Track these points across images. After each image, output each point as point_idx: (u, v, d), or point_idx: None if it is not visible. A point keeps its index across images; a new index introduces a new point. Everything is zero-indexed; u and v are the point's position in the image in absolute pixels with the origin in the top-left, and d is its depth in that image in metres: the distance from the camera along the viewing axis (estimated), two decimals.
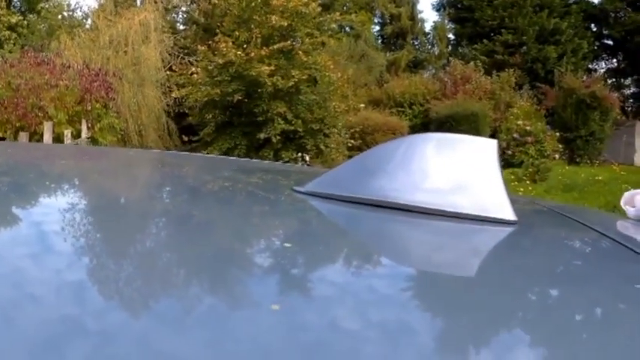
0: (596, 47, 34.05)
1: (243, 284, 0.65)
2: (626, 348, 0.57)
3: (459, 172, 0.95)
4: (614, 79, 35.82)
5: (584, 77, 22.43)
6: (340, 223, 1.00)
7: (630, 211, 1.24)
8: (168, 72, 21.20)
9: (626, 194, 1.28)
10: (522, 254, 0.89)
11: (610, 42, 36.13)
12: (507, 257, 0.87)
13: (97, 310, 0.53)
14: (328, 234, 0.93)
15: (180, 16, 29.80)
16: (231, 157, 3.02)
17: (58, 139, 14.27)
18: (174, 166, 1.88)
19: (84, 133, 15.80)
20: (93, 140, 16.28)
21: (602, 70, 35.77)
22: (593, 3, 35.28)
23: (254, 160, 2.97)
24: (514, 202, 0.97)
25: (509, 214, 0.92)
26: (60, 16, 32.13)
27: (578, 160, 20.23)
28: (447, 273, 0.75)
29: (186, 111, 18.79)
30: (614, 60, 37.46)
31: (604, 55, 37.04)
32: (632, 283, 0.78)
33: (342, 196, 0.96)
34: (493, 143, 1.03)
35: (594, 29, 35.18)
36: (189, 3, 27.30)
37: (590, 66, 33.34)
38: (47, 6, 31.95)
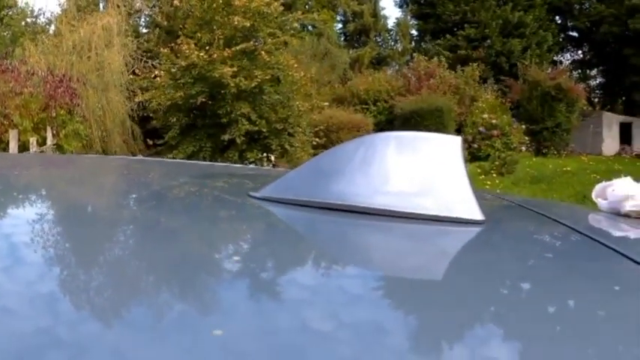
0: (561, 39, 34.42)
1: (199, 291, 0.64)
2: (596, 342, 0.56)
3: (422, 172, 0.91)
4: (579, 71, 36.30)
5: (550, 69, 22.64)
6: (296, 229, 0.96)
7: (602, 203, 1.23)
8: (131, 76, 21.08)
9: (598, 186, 1.27)
10: (490, 254, 0.85)
11: (575, 33, 36.55)
12: (475, 258, 0.83)
13: (64, 321, 0.54)
14: (282, 241, 0.89)
15: (143, 19, 29.65)
16: (190, 161, 3.01)
17: (24, 146, 14.21)
18: (131, 173, 1.88)
19: (49, 140, 15.73)
20: (58, 147, 16.21)
21: (568, 62, 36.26)
22: None
23: (209, 164, 2.95)
24: (481, 198, 0.94)
25: (476, 214, 0.87)
26: (23, 23, 31.98)
27: (545, 151, 20.41)
28: (411, 277, 0.72)
29: (151, 114, 18.69)
30: (580, 51, 37.95)
31: (569, 47, 37.49)
32: (604, 278, 0.77)
33: (298, 201, 0.91)
34: (457, 140, 0.96)
35: (559, 21, 35.58)
36: (151, 6, 27.11)
37: (555, 58, 33.70)
38: (10, 13, 31.79)
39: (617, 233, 1.14)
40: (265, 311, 0.58)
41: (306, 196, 0.90)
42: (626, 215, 1.14)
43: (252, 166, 11.72)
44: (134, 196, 1.34)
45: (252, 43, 15.69)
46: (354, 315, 0.57)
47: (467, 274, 0.75)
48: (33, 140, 14.80)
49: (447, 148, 0.94)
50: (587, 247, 0.91)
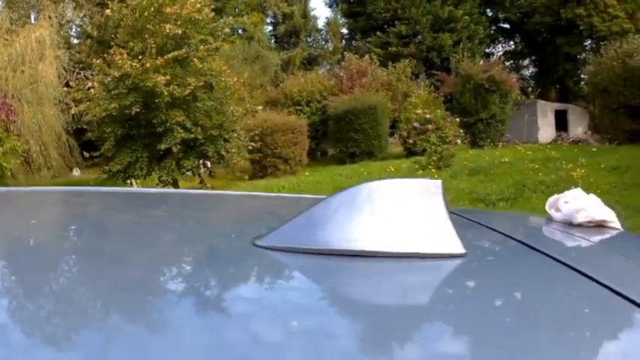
0: (492, 31, 34.91)
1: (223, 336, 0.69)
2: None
3: (407, 214, 0.97)
4: (512, 61, 36.89)
5: (482, 62, 22.88)
6: (300, 275, 1.02)
7: (556, 215, 1.33)
8: (65, 88, 20.79)
9: (551, 199, 1.38)
10: (472, 284, 0.96)
11: (507, 25, 37.18)
12: (459, 289, 0.93)
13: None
14: (282, 284, 0.97)
15: (74, 30, 29.31)
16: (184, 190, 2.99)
17: None
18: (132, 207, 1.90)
19: None
20: None
21: (500, 53, 36.79)
22: None
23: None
24: (460, 227, 1.02)
25: (458, 248, 0.95)
26: None
27: (481, 143, 20.63)
28: (401, 313, 0.81)
29: (85, 127, 18.42)
30: (512, 42, 38.59)
31: (501, 39, 38.08)
32: (560, 293, 0.87)
33: (297, 249, 0.97)
34: (438, 184, 1.05)
35: (490, 14, 36.09)
36: (82, 16, 26.79)
37: (487, 50, 34.21)
38: None
39: (569, 244, 1.28)
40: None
41: (303, 244, 0.96)
42: (579, 225, 1.28)
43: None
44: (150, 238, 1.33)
45: (184, 50, 15.57)
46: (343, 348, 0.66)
47: (452, 304, 0.85)
48: None
49: (429, 190, 1.03)
50: (538, 259, 1.03)
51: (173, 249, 1.22)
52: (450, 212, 0.99)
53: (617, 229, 1.29)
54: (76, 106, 17.81)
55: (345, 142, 19.99)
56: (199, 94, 15.54)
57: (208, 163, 16.26)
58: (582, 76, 32.26)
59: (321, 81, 23.66)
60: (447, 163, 15.25)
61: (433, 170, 14.62)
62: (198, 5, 16.36)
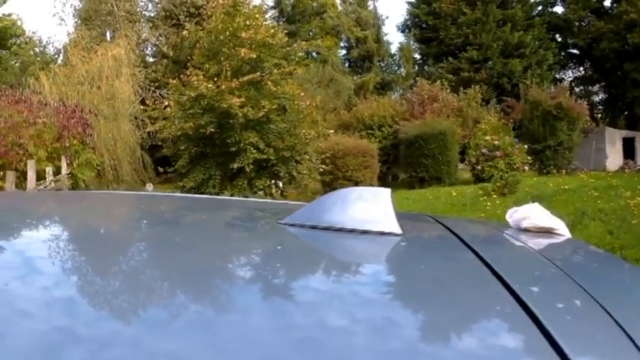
0: (561, 57, 34.46)
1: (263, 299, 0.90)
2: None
3: (366, 207, 1.35)
4: (581, 87, 36.32)
5: (551, 88, 22.65)
6: (313, 244, 1.38)
7: (510, 221, 1.61)
8: (141, 106, 21.37)
9: (510, 210, 1.65)
10: (405, 258, 1.29)
11: (576, 51, 36.60)
12: (394, 260, 1.27)
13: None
14: (297, 252, 1.33)
15: (150, 49, 29.99)
16: (210, 196, 3.26)
17: (39, 175, 14.47)
18: (159, 209, 2.06)
19: (64, 170, 16.01)
20: (72, 176, 16.50)
21: (569, 79, 36.22)
22: (556, 13, 35.77)
23: (232, 199, 3.24)
24: (406, 219, 1.43)
25: (396, 229, 1.29)
26: (32, 52, 32.08)
27: (547, 170, 20.44)
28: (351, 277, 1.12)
29: (160, 143, 18.91)
30: (581, 68, 37.95)
31: (570, 64, 37.48)
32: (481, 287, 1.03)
33: (306, 225, 1.34)
34: (387, 191, 1.43)
35: (559, 39, 35.60)
36: (158, 36, 27.49)
37: (557, 76, 33.75)
38: (18, 42, 31.88)
39: (499, 243, 1.55)
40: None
41: (308, 222, 1.34)
42: (526, 230, 1.54)
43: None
44: (184, 233, 1.51)
45: (258, 74, 15.90)
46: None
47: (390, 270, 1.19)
48: (49, 169, 15.14)
49: (380, 195, 1.39)
50: (471, 253, 1.23)
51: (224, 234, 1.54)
52: (421, 214, 1.41)
53: (563, 235, 1.53)
54: (152, 123, 18.32)
55: (415, 167, 20.04)
56: (272, 117, 15.86)
57: (280, 184, 16.55)
58: None
59: (393, 106, 23.78)
60: (511, 189, 15.16)
61: (495, 197, 14.58)
62: (272, 30, 16.77)
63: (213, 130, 15.51)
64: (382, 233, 1.28)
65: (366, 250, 1.27)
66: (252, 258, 1.25)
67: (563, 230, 1.53)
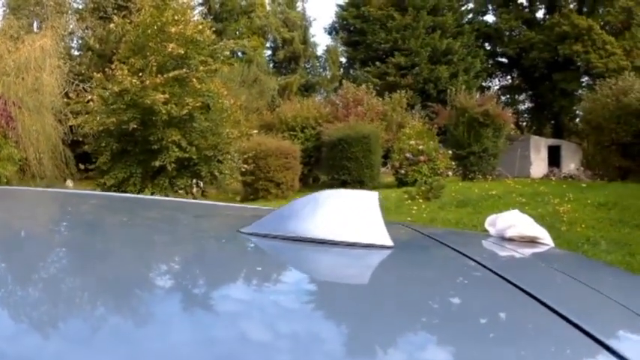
0: (489, 65, 35.10)
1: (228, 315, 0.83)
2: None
3: (352, 214, 1.25)
4: (508, 96, 37.06)
5: (477, 95, 22.99)
6: (274, 256, 1.27)
7: (492, 230, 1.54)
8: (64, 99, 20.88)
9: (489, 218, 1.60)
10: (397, 271, 1.19)
11: (504, 60, 37.35)
12: (388, 273, 1.17)
13: None
14: (266, 266, 1.19)
15: (75, 42, 29.41)
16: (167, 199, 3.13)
17: None
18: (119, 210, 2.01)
19: None
20: None
21: (496, 87, 36.94)
22: (487, 22, 36.44)
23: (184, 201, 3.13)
24: (393, 229, 1.30)
25: (387, 241, 1.20)
26: None
27: (471, 176, 20.68)
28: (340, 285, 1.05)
29: (82, 139, 18.50)
30: (509, 77, 38.77)
31: (498, 73, 38.23)
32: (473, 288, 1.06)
33: (275, 235, 1.22)
34: (375, 195, 1.33)
35: (488, 48, 36.29)
36: (84, 28, 26.92)
37: (483, 84, 34.34)
38: None
39: (498, 253, 1.49)
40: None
41: (277, 231, 1.22)
42: (510, 239, 1.48)
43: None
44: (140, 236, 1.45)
45: (184, 70, 15.70)
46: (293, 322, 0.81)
47: (384, 283, 1.09)
48: None
49: (368, 199, 1.30)
50: (466, 265, 1.23)
51: (170, 240, 1.42)
52: (401, 224, 1.27)
53: (547, 245, 1.50)
54: (74, 117, 17.91)
55: (338, 170, 19.89)
56: (196, 115, 15.69)
57: (201, 183, 16.36)
58: (577, 112, 32.48)
59: (317, 108, 23.74)
60: (436, 194, 15.25)
61: (421, 201, 14.63)
62: (200, 26, 16.59)
63: (135, 126, 15.21)
64: (371, 246, 1.19)
65: (354, 265, 1.17)
66: (212, 269, 1.11)
67: (547, 240, 1.49)
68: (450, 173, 20.10)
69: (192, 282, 0.99)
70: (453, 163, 20.28)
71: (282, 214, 1.29)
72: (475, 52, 32.02)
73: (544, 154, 28.31)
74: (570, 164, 26.56)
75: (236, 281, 1.02)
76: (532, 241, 1.48)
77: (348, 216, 1.24)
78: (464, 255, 1.30)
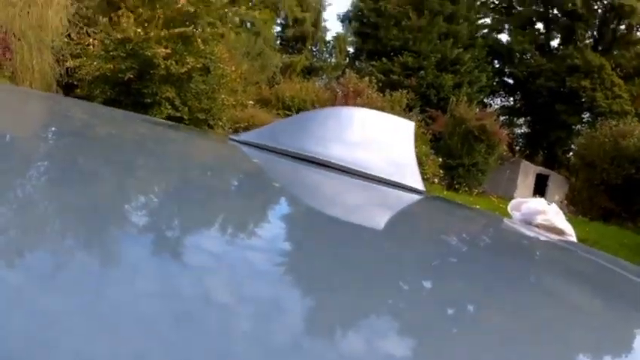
0: (495, 82, 35.05)
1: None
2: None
3: (379, 143, 1.06)
4: (507, 117, 37.05)
5: (478, 110, 22.99)
6: (270, 172, 1.04)
7: (516, 215, 1.41)
8: (65, 39, 20.63)
9: (513, 201, 1.48)
10: (427, 218, 1.02)
11: (510, 80, 37.33)
12: (415, 219, 0.99)
13: None
14: (258, 181, 1.00)
15: None
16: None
17: None
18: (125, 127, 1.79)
19: None
20: None
21: (497, 106, 36.91)
22: (500, 40, 36.41)
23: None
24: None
25: (419, 184, 1.05)
26: None
27: (457, 187, 20.71)
28: (358, 224, 0.86)
29: (76, 82, 18.31)
30: (511, 98, 38.75)
31: (502, 92, 38.21)
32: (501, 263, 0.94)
33: (276, 149, 1.04)
34: (411, 124, 1.13)
35: (497, 65, 36.24)
36: None
37: (485, 100, 34.29)
38: None
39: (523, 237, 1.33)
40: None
41: (280, 144, 1.02)
42: (537, 226, 1.34)
43: None
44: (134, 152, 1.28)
45: (190, 28, 15.53)
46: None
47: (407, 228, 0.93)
48: None
49: (404, 128, 1.10)
50: (494, 238, 1.12)
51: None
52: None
53: (573, 240, 1.36)
54: (73, 59, 17.72)
55: None
56: (195, 75, 15.53)
57: None
58: (572, 146, 32.51)
59: (317, 92, 23.57)
60: None
61: None
62: None
63: (132, 77, 15.03)
64: (400, 186, 1.00)
65: (375, 204, 0.97)
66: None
67: (573, 235, 1.38)
68: (436, 180, 20.06)
69: (165, 195, 0.84)
70: (441, 171, 20.26)
71: (290, 125, 1.08)
72: (483, 67, 31.91)
73: (531, 180, 28.44)
74: (555, 196, 26.54)
75: (216, 202, 0.84)
76: (559, 233, 1.36)
77: (376, 143, 1.04)
78: (493, 231, 1.15)
